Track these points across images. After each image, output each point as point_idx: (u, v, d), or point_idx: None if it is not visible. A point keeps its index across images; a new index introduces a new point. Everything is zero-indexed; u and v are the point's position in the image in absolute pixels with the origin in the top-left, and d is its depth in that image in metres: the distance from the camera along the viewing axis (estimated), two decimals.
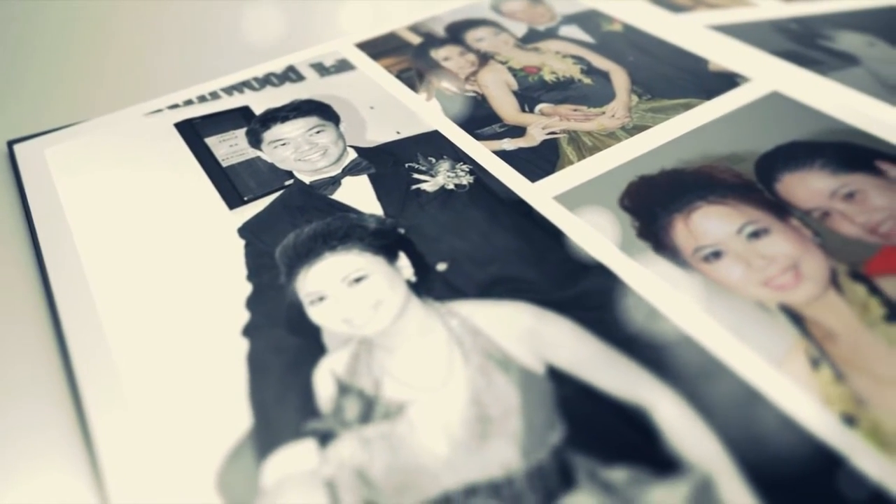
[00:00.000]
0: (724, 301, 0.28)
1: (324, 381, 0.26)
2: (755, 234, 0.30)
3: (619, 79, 0.42)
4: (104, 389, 0.26)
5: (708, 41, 0.46)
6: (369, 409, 0.25)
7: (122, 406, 0.26)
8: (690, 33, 0.47)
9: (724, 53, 0.44)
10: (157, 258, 0.32)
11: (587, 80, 0.42)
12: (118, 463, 0.24)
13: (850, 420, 0.23)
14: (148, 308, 0.30)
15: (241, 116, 0.42)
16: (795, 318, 0.27)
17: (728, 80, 0.41)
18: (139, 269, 0.31)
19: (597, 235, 0.31)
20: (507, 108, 0.40)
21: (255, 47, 0.50)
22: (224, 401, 0.26)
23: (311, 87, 0.44)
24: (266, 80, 0.45)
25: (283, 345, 0.28)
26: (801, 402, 0.24)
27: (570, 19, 0.50)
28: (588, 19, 0.50)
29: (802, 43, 0.46)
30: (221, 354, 0.27)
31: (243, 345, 0.28)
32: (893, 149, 0.35)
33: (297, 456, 0.24)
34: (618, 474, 0.22)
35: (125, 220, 0.34)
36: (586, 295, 0.29)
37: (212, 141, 0.40)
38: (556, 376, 0.26)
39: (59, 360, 0.28)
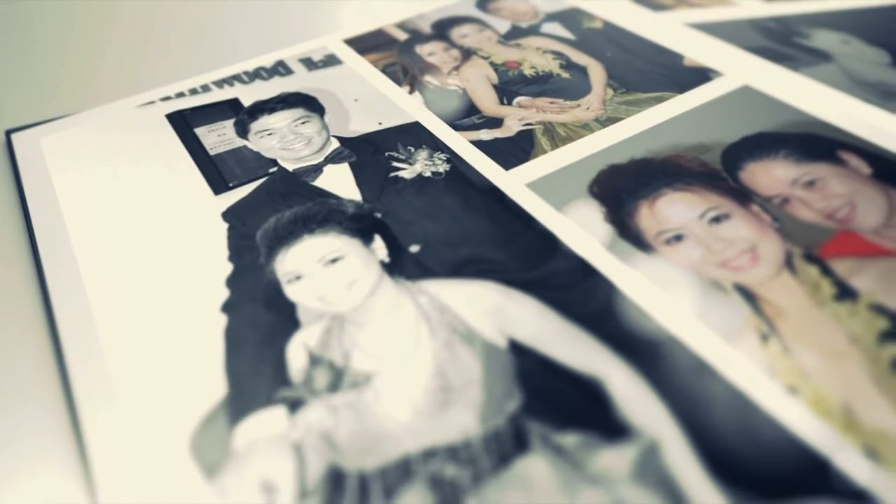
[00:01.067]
0: (682, 280, 0.29)
1: (296, 354, 0.28)
2: (716, 219, 0.31)
3: (596, 73, 0.43)
4: (89, 358, 0.28)
5: (685, 38, 0.47)
6: (338, 379, 0.26)
7: (105, 376, 0.27)
8: (669, 31, 0.49)
9: (699, 49, 0.46)
10: (144, 241, 0.33)
11: (565, 75, 0.43)
12: (98, 421, 0.25)
13: (794, 390, 0.24)
14: (134, 286, 0.31)
15: (229, 108, 0.43)
16: (749, 296, 0.28)
17: (701, 75, 0.42)
18: (128, 251, 0.33)
19: (564, 220, 0.32)
20: (486, 100, 0.42)
21: (247, 43, 0.51)
22: (201, 372, 0.27)
23: (299, 81, 0.45)
24: (256, 74, 0.46)
25: (259, 320, 0.29)
26: (749, 374, 0.25)
27: (553, 17, 0.51)
28: (570, 17, 0.51)
29: (778, 40, 0.47)
30: (201, 329, 0.29)
31: (222, 320, 0.29)
32: (856, 139, 0.36)
33: (267, 421, 0.25)
34: (569, 439, 0.24)
35: (116, 205, 0.36)
36: (551, 275, 0.30)
37: (201, 131, 0.41)
38: (518, 350, 0.27)
39: (47, 336, 0.30)
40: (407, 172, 0.36)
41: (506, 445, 0.24)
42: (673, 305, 0.28)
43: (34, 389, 0.28)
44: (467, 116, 0.40)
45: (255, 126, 0.41)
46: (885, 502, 0.21)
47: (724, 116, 0.38)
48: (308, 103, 0.43)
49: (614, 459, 0.23)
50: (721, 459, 0.23)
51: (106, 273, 0.32)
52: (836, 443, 0.23)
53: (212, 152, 0.39)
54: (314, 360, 0.27)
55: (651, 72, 0.43)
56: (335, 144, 0.39)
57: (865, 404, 0.24)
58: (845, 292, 0.28)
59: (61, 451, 0.25)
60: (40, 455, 0.25)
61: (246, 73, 0.47)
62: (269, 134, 0.40)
